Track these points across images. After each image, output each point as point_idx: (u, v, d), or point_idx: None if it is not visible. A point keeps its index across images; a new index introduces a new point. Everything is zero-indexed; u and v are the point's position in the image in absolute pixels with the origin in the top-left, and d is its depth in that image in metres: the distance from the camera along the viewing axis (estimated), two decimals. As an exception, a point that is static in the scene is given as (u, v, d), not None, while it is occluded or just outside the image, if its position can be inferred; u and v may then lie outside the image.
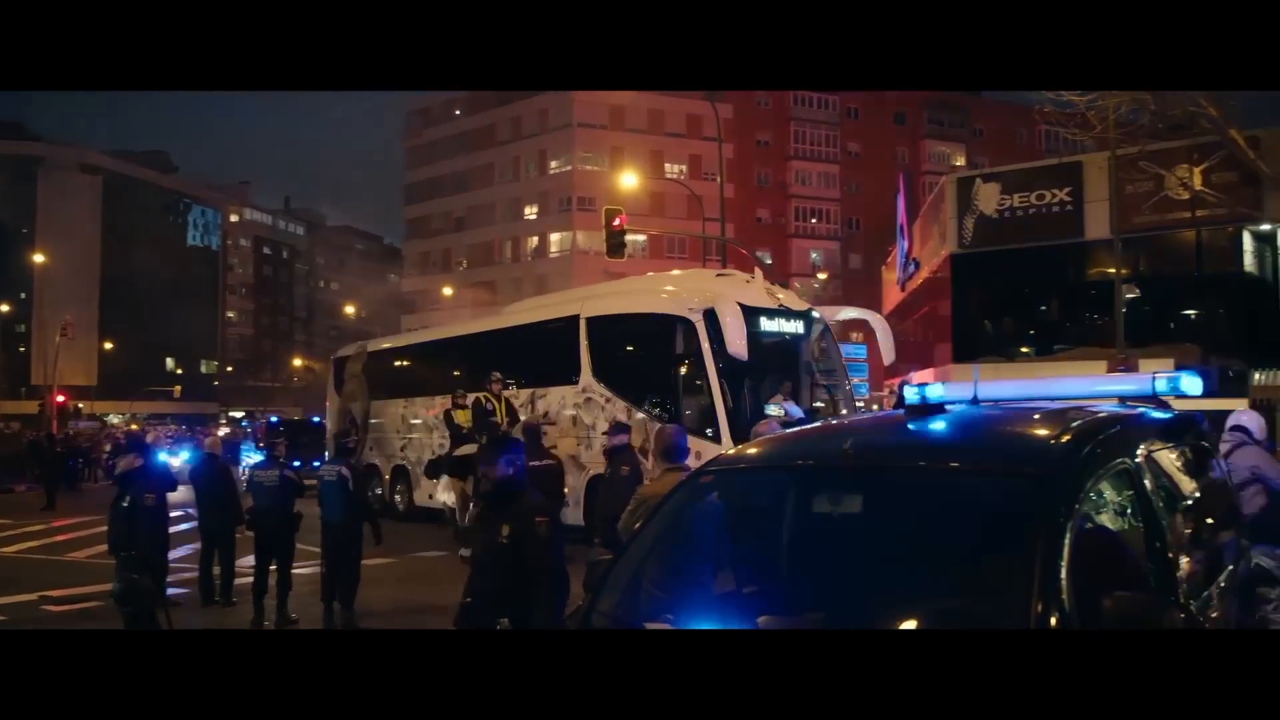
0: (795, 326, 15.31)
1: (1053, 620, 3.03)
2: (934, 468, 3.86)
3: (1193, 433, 5.19)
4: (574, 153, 66.83)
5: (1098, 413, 4.30)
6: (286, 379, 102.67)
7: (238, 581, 12.22)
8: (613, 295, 17.59)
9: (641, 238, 59.93)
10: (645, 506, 5.55)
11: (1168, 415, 4.89)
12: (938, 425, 4.09)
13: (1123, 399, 4.93)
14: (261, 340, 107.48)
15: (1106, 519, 3.88)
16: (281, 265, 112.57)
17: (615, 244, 26.14)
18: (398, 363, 23.85)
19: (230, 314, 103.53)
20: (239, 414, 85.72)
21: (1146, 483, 4.02)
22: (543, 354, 17.51)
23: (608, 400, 15.58)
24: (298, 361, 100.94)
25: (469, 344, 21.06)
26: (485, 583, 5.34)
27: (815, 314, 15.73)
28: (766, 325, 14.75)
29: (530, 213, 70.73)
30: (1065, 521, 3.25)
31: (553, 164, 68.89)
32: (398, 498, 21.75)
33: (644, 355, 15.75)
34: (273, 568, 11.07)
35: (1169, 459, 4.66)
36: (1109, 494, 3.92)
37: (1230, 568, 4.91)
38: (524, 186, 70.99)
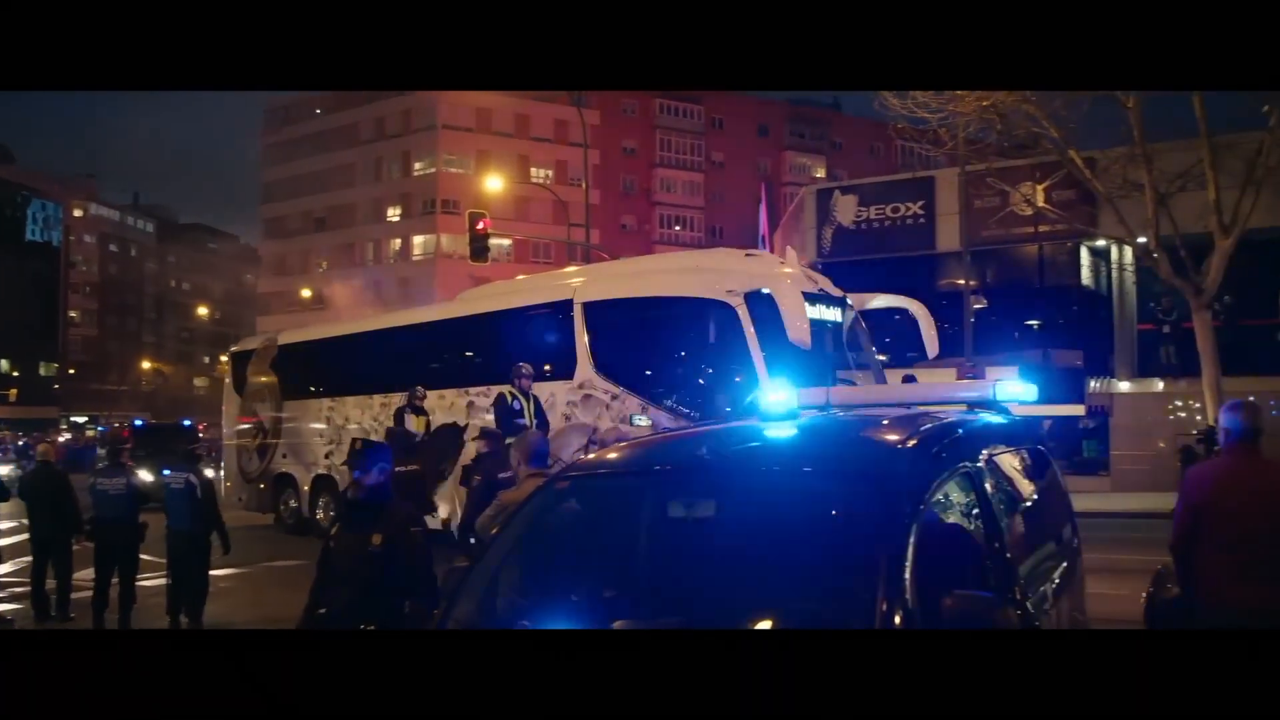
0: (835, 313, 13.55)
1: (896, 619, 3.11)
2: (789, 472, 3.94)
3: (1031, 437, 5.44)
4: (438, 154, 65.96)
5: (942, 418, 4.45)
6: (134, 382, 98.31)
7: (76, 595, 11.62)
8: (616, 278, 15.52)
9: (506, 242, 59.58)
10: (504, 512, 5.50)
11: (1008, 420, 5.11)
12: (791, 431, 4.18)
13: (968, 405, 5.13)
14: (107, 342, 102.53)
15: (950, 520, 4.02)
16: (129, 263, 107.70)
17: (479, 248, 25.93)
18: (321, 357, 20.53)
19: (72, 314, 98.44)
20: (82, 419, 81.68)
21: (987, 485, 4.18)
22: (521, 345, 15.03)
23: (614, 397, 13.67)
24: (146, 364, 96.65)
25: (421, 334, 18.05)
26: (348, 593, 5.18)
27: (849, 301, 14.11)
28: (810, 312, 12.78)
29: (393, 214, 69.49)
30: (910, 524, 3.35)
31: (416, 165, 67.86)
32: (320, 513, 18.67)
33: (664, 344, 13.74)
34: (115, 580, 10.59)
35: (1010, 462, 4.87)
36: (952, 496, 4.07)
37: (1065, 565, 5.16)
38: (387, 187, 69.70)
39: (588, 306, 14.24)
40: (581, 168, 34.64)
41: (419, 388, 14.85)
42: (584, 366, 14.01)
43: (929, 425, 4.16)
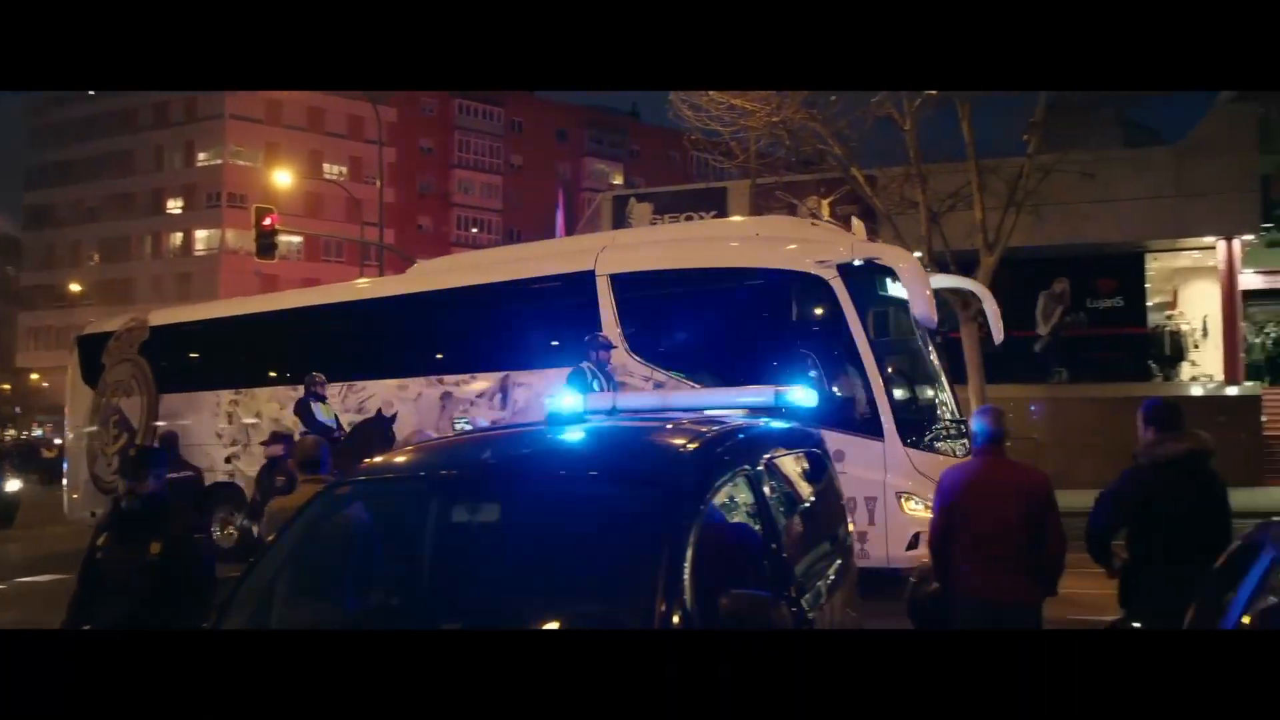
0: (902, 292, 12.20)
1: (675, 619, 3.17)
2: (571, 477, 3.96)
3: (810, 441, 5.66)
4: (225, 146, 63.09)
5: (724, 423, 4.58)
6: None
7: None
8: (650, 247, 13.28)
9: (296, 239, 57.60)
10: (276, 521, 5.30)
11: (787, 426, 5.30)
12: (577, 436, 4.21)
13: (750, 410, 5.29)
14: None
15: (730, 521, 4.14)
16: None
17: (265, 244, 24.92)
18: (220, 341, 16.94)
19: None
20: None
21: (766, 488, 4.32)
22: (517, 324, 12.96)
23: (657, 384, 11.56)
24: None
25: (372, 313, 14.97)
26: (123, 606, 4.86)
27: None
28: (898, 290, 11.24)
29: (174, 206, 66.00)
30: (690, 525, 3.42)
31: (201, 156, 64.67)
32: (217, 529, 15.31)
33: (728, 324, 11.77)
34: None
35: (789, 465, 5.05)
36: (733, 498, 4.19)
37: (839, 563, 5.39)
38: (168, 178, 66.12)
39: (616, 280, 12.07)
40: (377, 165, 33.85)
41: (315, 373, 12.65)
42: (617, 351, 11.66)
43: (711, 430, 4.27)
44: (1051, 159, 18.14)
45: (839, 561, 5.41)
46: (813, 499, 5.34)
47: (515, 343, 12.77)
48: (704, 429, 4.29)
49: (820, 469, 5.64)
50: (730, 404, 5.26)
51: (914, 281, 10.54)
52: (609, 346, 10.37)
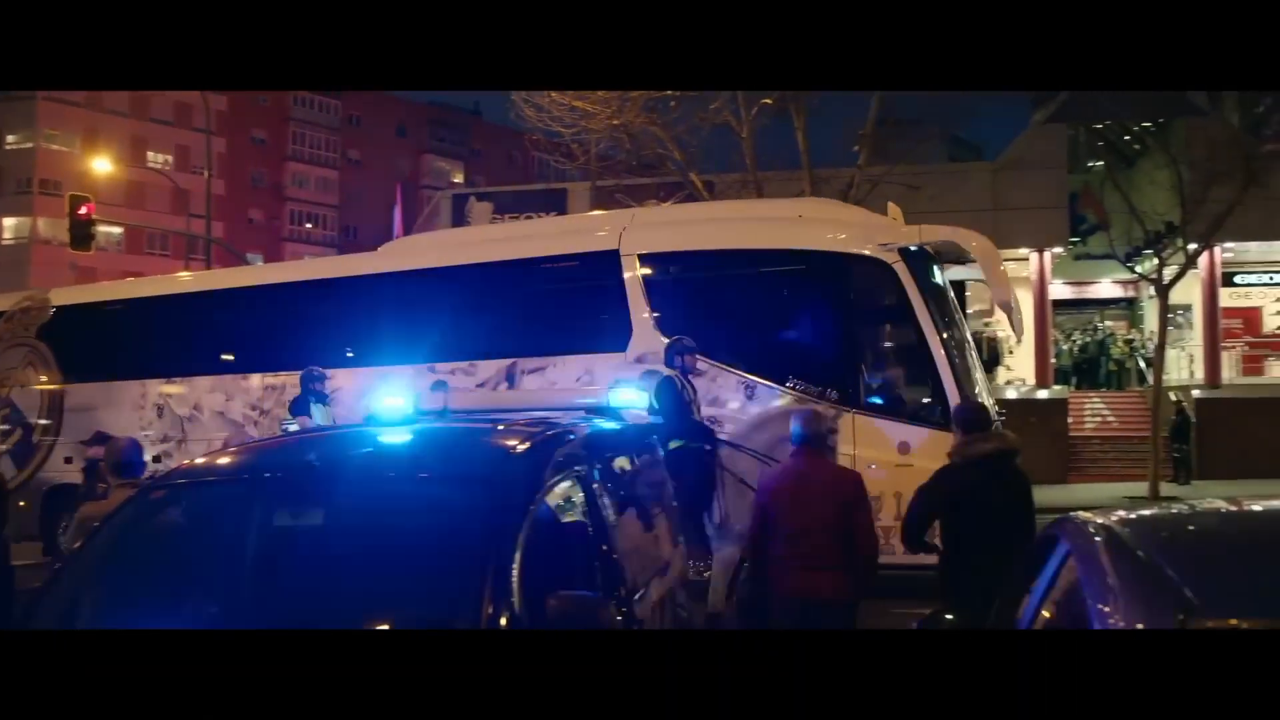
0: (962, 275, 11.26)
1: (502, 621, 3.17)
2: (399, 478, 3.90)
3: (645, 442, 5.73)
4: (37, 128, 59.39)
5: (557, 425, 4.59)
6: None
7: None
8: (686, 225, 12.16)
9: (117, 230, 54.76)
10: (84, 529, 5.03)
11: (621, 426, 5.36)
12: (406, 436, 4.15)
13: (586, 411, 5.32)
14: None
15: (561, 522, 4.15)
16: None
17: (81, 234, 23.59)
18: (149, 324, 14.64)
19: None
20: None
21: (598, 489, 4.35)
22: (530, 308, 11.83)
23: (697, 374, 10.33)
24: None
25: (342, 294, 13.18)
26: None
27: None
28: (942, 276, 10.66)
29: (-22, 192, 61.84)
30: (518, 526, 3.43)
31: (10, 138, 60.65)
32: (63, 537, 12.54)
33: (776, 311, 10.98)
34: None
35: (621, 466, 5.10)
36: (564, 499, 4.20)
37: (671, 563, 5.47)
38: (-29, 161, 61.90)
39: (645, 261, 11.03)
40: (205, 155, 32.51)
41: (316, 368, 10.95)
42: (645, 335, 10.61)
43: (541, 431, 4.28)
44: (880, 171, 18.85)
45: (673, 562, 5.50)
46: (644, 499, 5.40)
47: (524, 327, 11.56)
48: (536, 430, 4.30)
49: (655, 469, 5.71)
50: (564, 405, 5.28)
51: (991, 262, 10.11)
52: (695, 349, 8.98)
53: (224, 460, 4.32)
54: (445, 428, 4.37)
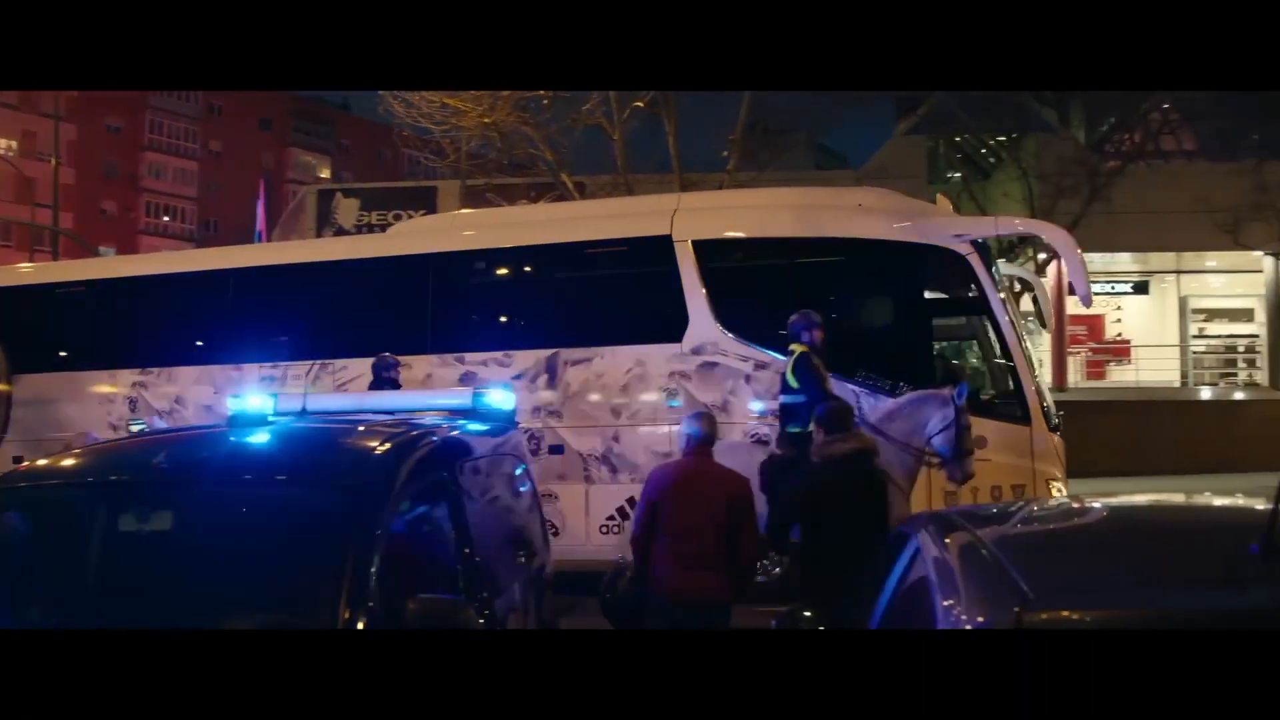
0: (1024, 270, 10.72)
1: (360, 625, 3.12)
2: (255, 481, 3.80)
3: (509, 444, 5.69)
4: None
5: (419, 426, 4.52)
6: None
7: None
8: (744, 210, 11.58)
9: (-46, 219, 51.74)
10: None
11: (486, 428, 5.30)
12: (261, 438, 4.04)
13: (451, 412, 5.26)
14: None
15: (423, 526, 4.10)
16: None
17: (-86, 223, 22.21)
18: (117, 307, 12.84)
19: None
20: None
21: (460, 491, 4.31)
22: (573, 296, 11.23)
23: (759, 366, 10.02)
24: None
25: (354, 277, 12.01)
26: None
27: None
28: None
29: None
30: (377, 531, 3.37)
31: None
32: None
33: (844, 302, 10.54)
34: None
35: (485, 468, 5.05)
36: (425, 502, 4.14)
37: (536, 565, 5.46)
38: None
39: (701, 247, 10.47)
40: (53, 142, 30.97)
41: (388, 355, 10.03)
42: (702, 325, 10.23)
43: (403, 432, 4.21)
44: (749, 177, 19.16)
45: (536, 564, 5.48)
46: (509, 502, 5.37)
47: (567, 316, 10.97)
48: (397, 431, 4.23)
49: (518, 472, 5.68)
50: (427, 406, 5.21)
51: (1072, 254, 9.89)
52: (821, 324, 8.55)
53: (69, 462, 4.14)
54: (303, 428, 4.26)
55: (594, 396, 10.28)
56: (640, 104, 18.45)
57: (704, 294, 10.22)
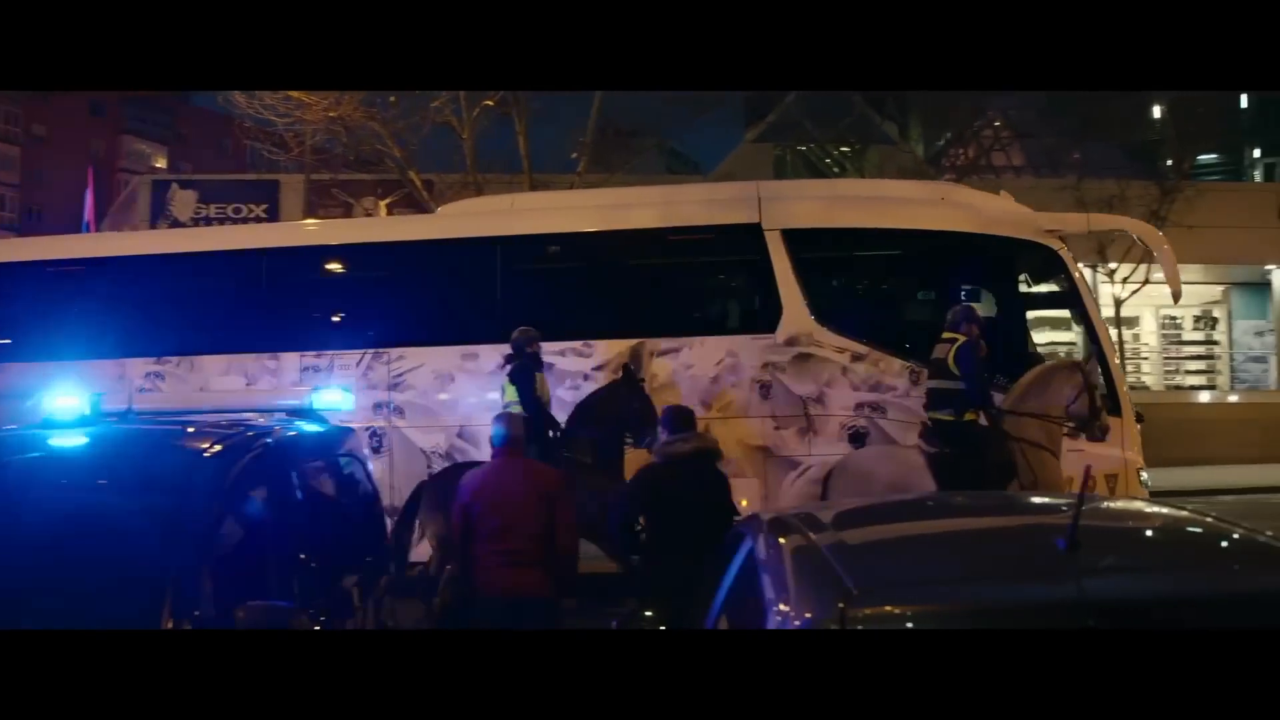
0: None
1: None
2: (74, 485, 3.61)
3: (347, 445, 5.57)
4: None
5: (252, 427, 4.38)
6: None
7: None
8: (834, 200, 11.12)
9: None
10: None
11: (323, 428, 5.18)
12: (81, 441, 3.84)
13: (287, 413, 5.11)
14: None
15: (256, 530, 3.96)
16: None
17: None
18: (127, 289, 10.94)
19: None
20: None
21: (297, 494, 4.20)
22: (655, 283, 10.71)
23: (856, 357, 9.79)
24: None
25: (412, 260, 10.82)
26: None
27: None
28: None
29: None
30: (204, 535, 3.26)
31: None
32: None
33: (938, 294, 10.38)
34: None
35: (322, 471, 4.93)
36: (258, 506, 4.01)
37: (374, 568, 5.36)
38: None
39: (792, 237, 10.10)
40: None
41: (529, 328, 9.06)
42: (796, 316, 9.91)
43: (234, 434, 4.08)
44: (599, 179, 19.21)
45: (375, 568, 5.38)
46: (346, 505, 5.26)
47: (652, 304, 10.48)
48: (228, 432, 4.09)
49: (356, 475, 5.56)
50: (262, 406, 5.06)
51: (1165, 252, 9.91)
52: (980, 320, 8.60)
53: None
54: (127, 430, 4.07)
55: (678, 386, 9.79)
56: (490, 103, 18.31)
57: (798, 284, 9.95)
